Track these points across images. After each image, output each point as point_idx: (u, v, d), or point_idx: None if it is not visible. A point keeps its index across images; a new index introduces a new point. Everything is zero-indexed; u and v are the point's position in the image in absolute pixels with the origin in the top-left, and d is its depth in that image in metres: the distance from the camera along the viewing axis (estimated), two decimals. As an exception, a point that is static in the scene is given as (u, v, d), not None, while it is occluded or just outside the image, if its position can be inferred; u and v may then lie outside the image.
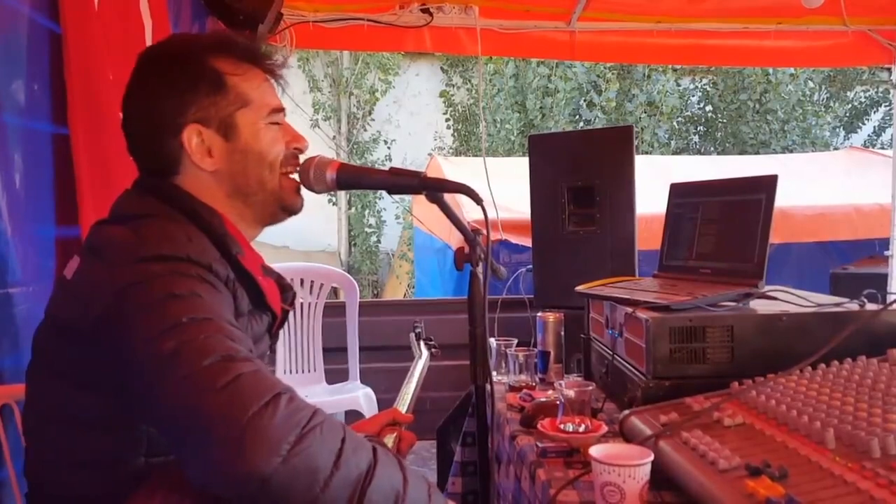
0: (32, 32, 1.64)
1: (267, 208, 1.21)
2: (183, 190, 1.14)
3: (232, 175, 1.16)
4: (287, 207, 1.23)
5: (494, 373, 1.95)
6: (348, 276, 3.57)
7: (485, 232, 1.24)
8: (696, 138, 10.99)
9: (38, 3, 1.67)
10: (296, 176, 1.23)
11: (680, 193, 1.98)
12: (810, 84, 10.50)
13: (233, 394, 0.86)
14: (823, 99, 10.90)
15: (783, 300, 1.56)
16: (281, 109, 1.21)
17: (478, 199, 1.22)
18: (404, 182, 1.23)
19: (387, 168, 1.27)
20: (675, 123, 10.48)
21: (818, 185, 5.99)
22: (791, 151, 9.80)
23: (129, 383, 0.95)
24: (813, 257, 5.45)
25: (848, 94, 10.90)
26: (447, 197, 1.23)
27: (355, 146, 10.48)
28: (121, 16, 1.99)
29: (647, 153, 9.36)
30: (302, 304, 3.34)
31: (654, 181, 3.91)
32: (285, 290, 1.27)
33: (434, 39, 3.54)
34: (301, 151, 1.24)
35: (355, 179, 1.27)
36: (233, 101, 1.15)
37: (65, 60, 1.70)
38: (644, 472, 1.07)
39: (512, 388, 1.91)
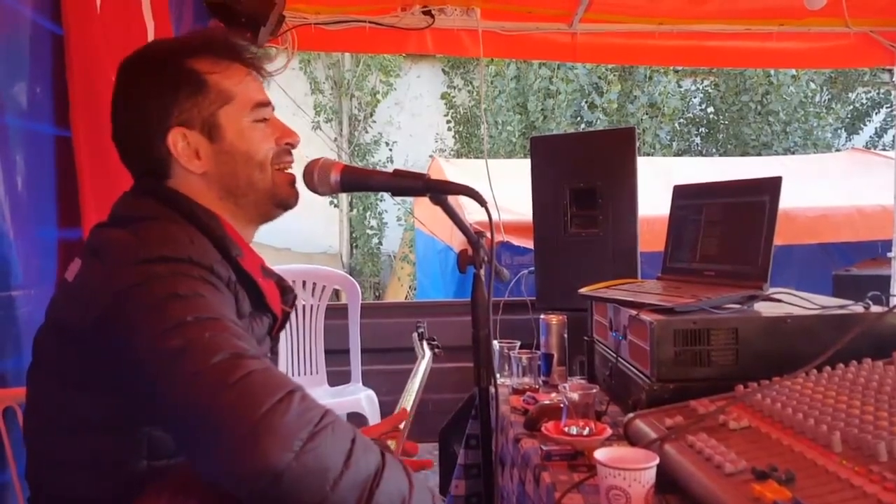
0: (34, 34, 1.64)
1: (260, 207, 1.19)
2: (180, 192, 1.14)
3: (221, 176, 1.15)
4: (282, 202, 1.21)
5: (497, 375, 1.95)
6: (350, 277, 3.56)
7: (488, 234, 1.24)
8: (697, 140, 11.00)
9: (41, 4, 1.67)
10: (291, 170, 1.21)
11: (683, 195, 1.98)
12: (812, 85, 10.50)
13: (245, 390, 0.86)
14: (825, 100, 10.90)
15: (787, 302, 1.55)
16: (267, 103, 1.18)
17: (482, 201, 1.21)
18: (408, 184, 1.22)
19: (389, 170, 1.26)
20: (676, 125, 10.49)
21: (820, 187, 5.97)
22: (793, 153, 9.80)
23: (132, 384, 0.94)
24: (815, 259, 5.43)
25: (850, 95, 10.91)
26: (450, 198, 1.23)
27: (357, 148, 10.48)
28: (123, 18, 1.99)
29: (648, 155, 9.37)
30: (304, 306, 3.33)
31: (655, 183, 3.90)
32: (285, 291, 1.26)
33: (436, 41, 3.53)
34: (293, 146, 1.22)
35: (359, 181, 1.26)
36: (214, 99, 1.13)
37: (67, 62, 1.70)
38: (649, 476, 1.06)
39: (515, 391, 1.90)
